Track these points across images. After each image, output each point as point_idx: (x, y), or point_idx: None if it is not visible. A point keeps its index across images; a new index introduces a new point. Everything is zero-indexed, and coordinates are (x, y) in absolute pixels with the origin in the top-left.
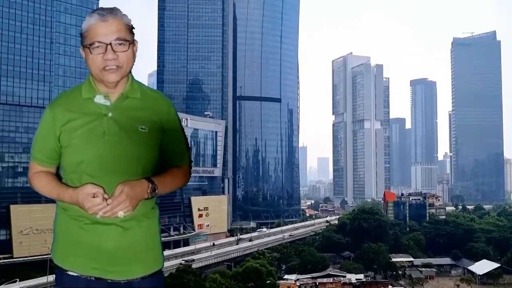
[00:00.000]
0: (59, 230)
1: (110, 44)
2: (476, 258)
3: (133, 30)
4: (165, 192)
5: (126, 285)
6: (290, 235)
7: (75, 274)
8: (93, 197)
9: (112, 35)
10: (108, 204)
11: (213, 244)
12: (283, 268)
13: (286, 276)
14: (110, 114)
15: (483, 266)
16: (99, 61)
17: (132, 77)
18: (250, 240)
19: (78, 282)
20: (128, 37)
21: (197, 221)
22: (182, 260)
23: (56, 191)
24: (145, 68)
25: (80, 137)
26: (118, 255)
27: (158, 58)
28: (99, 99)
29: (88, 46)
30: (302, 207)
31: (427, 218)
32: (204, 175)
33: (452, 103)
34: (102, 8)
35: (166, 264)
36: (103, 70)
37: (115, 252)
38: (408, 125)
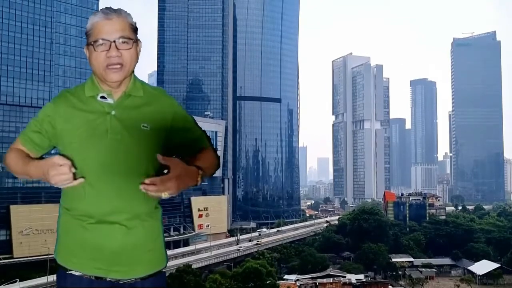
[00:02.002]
0: (62, 230)
1: (114, 41)
2: (476, 259)
3: (137, 30)
4: (206, 176)
5: (129, 285)
6: (256, 244)
7: (78, 274)
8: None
9: (116, 33)
10: (154, 181)
11: (259, 234)
12: (283, 269)
13: (286, 277)
14: (113, 112)
15: (483, 267)
16: (102, 59)
17: (135, 75)
18: (250, 240)
19: (81, 282)
20: (132, 35)
21: (197, 221)
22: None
23: (22, 163)
24: (145, 68)
25: (83, 135)
26: (122, 255)
27: (158, 58)
28: (102, 97)
29: (92, 43)
30: (302, 207)
31: (427, 218)
32: None
33: (452, 103)
34: (106, 7)
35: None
36: (106, 68)
37: (118, 251)
38: (408, 125)
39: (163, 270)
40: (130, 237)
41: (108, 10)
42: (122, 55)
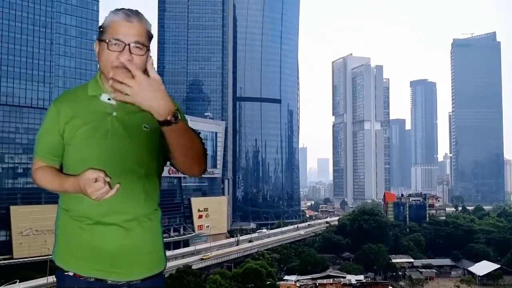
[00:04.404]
0: (60, 231)
1: (129, 45)
2: (476, 259)
3: (151, 38)
4: (182, 140)
5: (127, 286)
6: (201, 259)
7: (75, 275)
8: (95, 182)
9: (133, 37)
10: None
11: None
12: (283, 269)
13: (286, 277)
14: (114, 113)
15: (483, 267)
16: (113, 58)
17: None
18: (250, 241)
19: (79, 283)
20: (147, 43)
21: (197, 222)
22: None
23: (58, 182)
24: None
25: (83, 135)
26: (120, 257)
27: (158, 59)
28: (104, 97)
29: (106, 41)
30: (302, 208)
31: (427, 219)
32: (204, 176)
33: (452, 104)
34: (129, 9)
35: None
36: (115, 68)
37: (116, 253)
38: (408, 126)
39: (162, 272)
40: (128, 239)
41: (130, 13)
42: (133, 59)
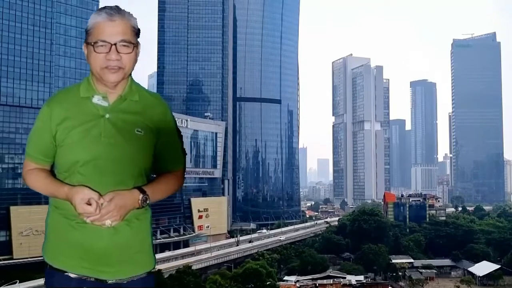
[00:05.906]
0: (51, 228)
1: (115, 44)
2: (476, 260)
3: (139, 33)
4: (157, 199)
5: (116, 285)
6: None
7: (65, 273)
8: (88, 202)
9: (118, 35)
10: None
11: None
12: (283, 270)
13: (286, 278)
14: (107, 116)
15: (483, 268)
16: (101, 60)
17: (132, 79)
18: (250, 241)
19: (68, 281)
20: (133, 39)
21: (197, 222)
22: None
23: (51, 188)
24: (145, 69)
25: (76, 137)
26: (108, 256)
27: (158, 59)
28: (97, 99)
29: (92, 43)
30: (302, 208)
31: (427, 219)
32: (204, 176)
33: (452, 104)
34: (110, 7)
35: (166, 265)
36: (104, 69)
37: (105, 252)
38: (408, 126)
39: (152, 271)
40: (117, 238)
41: (112, 11)
42: (122, 58)
